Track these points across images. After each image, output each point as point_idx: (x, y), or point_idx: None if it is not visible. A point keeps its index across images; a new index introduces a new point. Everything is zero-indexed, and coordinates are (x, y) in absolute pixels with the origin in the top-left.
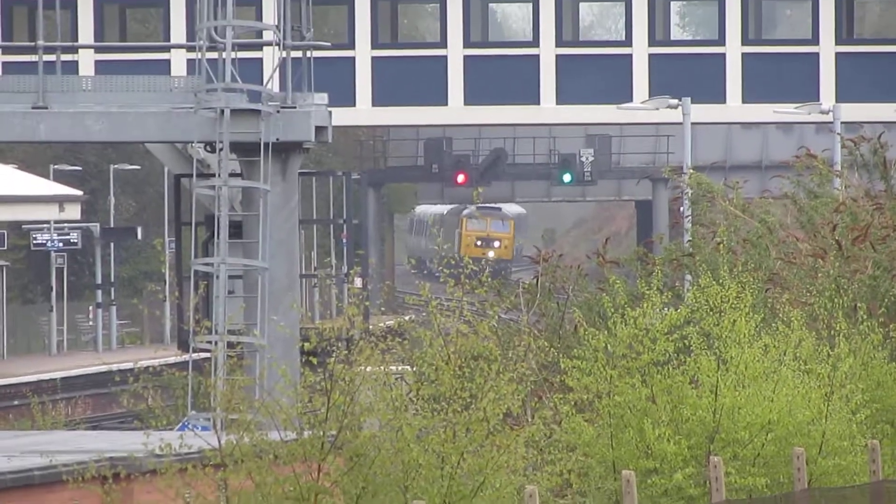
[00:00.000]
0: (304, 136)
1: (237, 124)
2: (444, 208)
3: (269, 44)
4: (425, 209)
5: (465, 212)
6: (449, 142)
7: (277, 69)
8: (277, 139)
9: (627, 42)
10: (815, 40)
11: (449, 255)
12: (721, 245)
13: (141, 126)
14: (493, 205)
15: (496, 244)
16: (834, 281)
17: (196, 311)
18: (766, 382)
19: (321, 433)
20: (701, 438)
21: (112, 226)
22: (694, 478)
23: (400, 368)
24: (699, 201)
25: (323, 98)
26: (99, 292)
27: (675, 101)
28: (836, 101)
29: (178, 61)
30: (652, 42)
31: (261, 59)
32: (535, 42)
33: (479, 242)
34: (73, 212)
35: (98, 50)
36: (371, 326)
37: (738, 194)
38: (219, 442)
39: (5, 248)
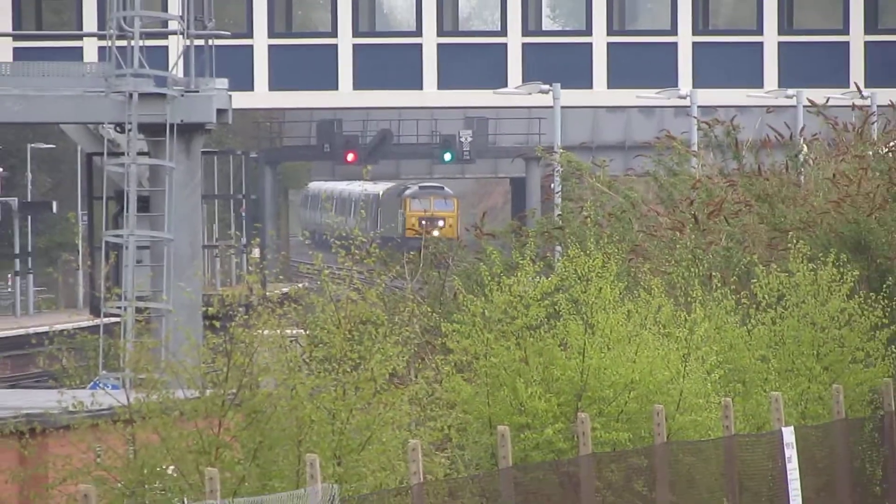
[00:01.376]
0: (206, 118)
1: (145, 107)
2: (364, 186)
3: (174, 33)
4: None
5: (408, 192)
6: (339, 123)
7: (182, 56)
8: (181, 121)
9: (503, 32)
10: (673, 31)
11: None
12: (588, 219)
13: (56, 108)
14: (435, 183)
15: (440, 223)
16: (691, 252)
17: (107, 278)
18: (629, 345)
19: (222, 392)
20: (569, 396)
21: (29, 200)
22: (563, 433)
23: (295, 332)
24: (569, 178)
25: (223, 83)
26: (17, 261)
27: (546, 87)
28: (693, 86)
29: (90, 49)
30: (525, 32)
31: (166, 47)
32: (418, 32)
33: (423, 222)
34: None
35: (15, 38)
36: (268, 293)
37: (605, 172)
38: (127, 399)
39: None
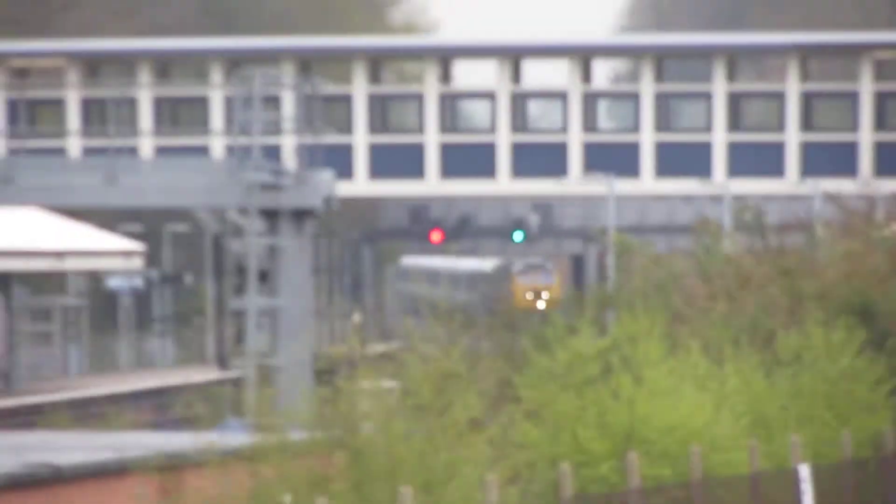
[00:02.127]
0: (314, 203)
1: (263, 195)
2: (470, 263)
3: (288, 132)
4: (409, 261)
5: (515, 268)
6: (427, 209)
7: (294, 152)
8: (294, 206)
9: (565, 131)
10: (709, 130)
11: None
12: (637, 289)
13: (189, 195)
14: (538, 261)
15: (544, 294)
16: (723, 318)
17: (232, 339)
18: (671, 395)
19: (330, 434)
20: (620, 438)
21: (167, 273)
22: (615, 469)
23: (390, 384)
24: (622, 254)
25: (329, 174)
26: (157, 325)
27: (602, 177)
28: (727, 177)
29: (217, 146)
30: (584, 130)
31: (280, 145)
32: (493, 130)
33: (530, 295)
34: (137, 262)
35: (155, 137)
36: (367, 352)
37: (652, 249)
38: (251, 440)
39: (85, 290)
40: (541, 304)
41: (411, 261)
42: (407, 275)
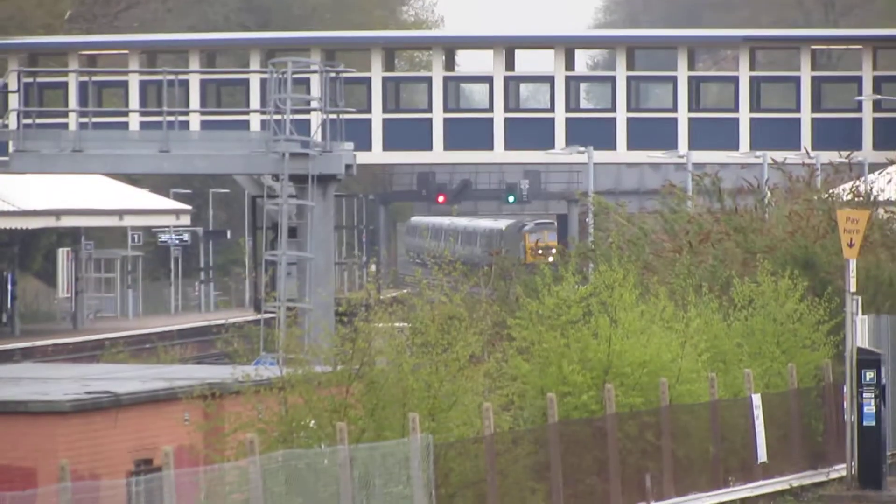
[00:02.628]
0: (338, 170)
1: (294, 163)
2: (470, 221)
3: (315, 109)
4: (417, 219)
5: (526, 227)
6: (433, 175)
7: (320, 126)
8: (320, 173)
9: (551, 109)
10: (674, 108)
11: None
12: (613, 244)
13: (231, 163)
14: (547, 220)
15: (553, 250)
16: (686, 268)
17: (266, 285)
18: (643, 335)
19: (349, 367)
20: (599, 372)
21: (210, 229)
22: (595, 398)
23: (401, 325)
24: (599, 214)
25: (350, 146)
26: (202, 273)
27: (583, 149)
28: (689, 149)
29: (255, 121)
30: (567, 109)
31: (309, 120)
32: (490, 109)
33: (539, 251)
34: (185, 220)
35: (203, 113)
36: (382, 297)
37: (625, 210)
38: (281, 373)
39: (141, 243)
40: (549, 258)
41: (429, 220)
42: (415, 231)
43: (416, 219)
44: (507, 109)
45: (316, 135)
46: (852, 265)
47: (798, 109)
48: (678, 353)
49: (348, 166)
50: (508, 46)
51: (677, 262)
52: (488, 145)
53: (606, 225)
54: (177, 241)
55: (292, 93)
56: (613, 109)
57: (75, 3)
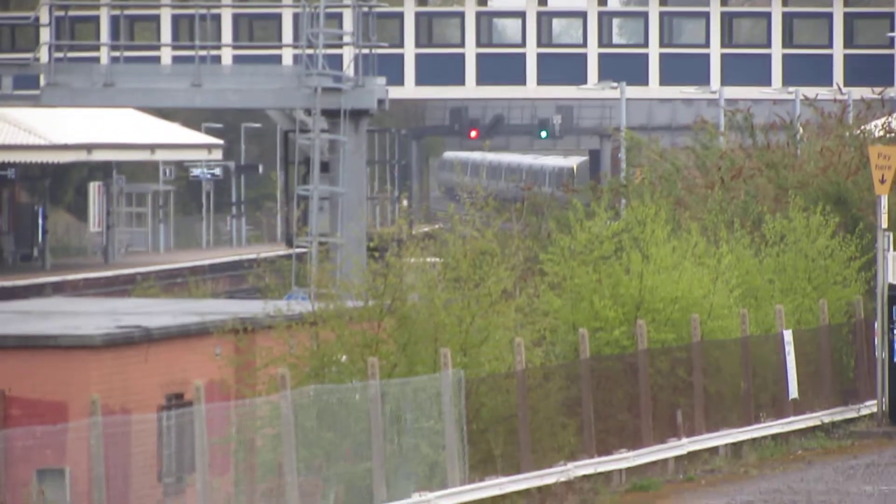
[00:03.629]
0: (370, 105)
1: (326, 97)
2: (527, 157)
3: (348, 44)
4: (450, 154)
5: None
6: (465, 110)
7: (353, 61)
8: (352, 107)
9: (584, 44)
10: (707, 44)
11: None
12: (645, 179)
13: (263, 97)
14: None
15: None
16: (718, 204)
17: (298, 220)
18: (674, 271)
19: (380, 302)
20: (631, 308)
21: (242, 164)
22: (626, 334)
23: (433, 260)
24: (632, 149)
25: (382, 80)
26: (234, 208)
27: (615, 84)
28: (721, 85)
29: (287, 55)
30: (600, 45)
31: (342, 55)
32: (523, 44)
33: None
34: (217, 154)
35: (234, 48)
36: (413, 232)
37: (658, 145)
38: (313, 307)
39: (173, 178)
40: None
41: (452, 154)
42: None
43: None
44: (539, 45)
45: (348, 69)
46: (884, 201)
47: (830, 45)
48: (710, 289)
49: (380, 101)
50: None
51: (709, 198)
52: (521, 80)
53: (639, 160)
54: (208, 176)
55: (325, 27)
56: (646, 45)
57: None
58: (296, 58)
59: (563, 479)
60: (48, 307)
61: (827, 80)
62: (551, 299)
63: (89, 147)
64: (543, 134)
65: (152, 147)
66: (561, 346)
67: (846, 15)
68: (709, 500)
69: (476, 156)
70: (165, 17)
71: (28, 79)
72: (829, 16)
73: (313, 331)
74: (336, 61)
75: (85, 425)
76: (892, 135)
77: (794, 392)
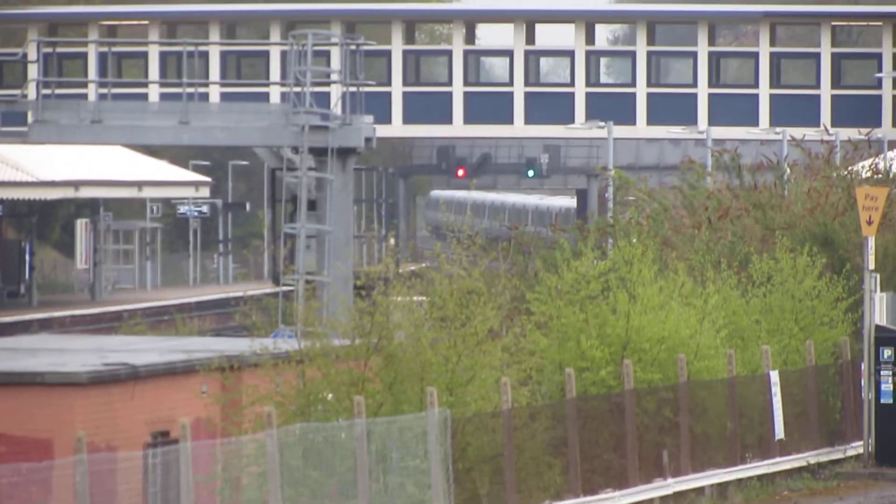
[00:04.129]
0: (357, 143)
1: (313, 136)
2: (551, 200)
3: (335, 82)
4: (437, 193)
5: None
6: (453, 148)
7: (340, 99)
8: (339, 146)
9: (571, 83)
10: (694, 84)
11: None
12: (632, 219)
13: (250, 135)
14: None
15: None
16: (705, 244)
17: (285, 259)
18: (661, 311)
19: (367, 341)
20: (617, 348)
21: (230, 201)
22: (613, 373)
23: (419, 299)
24: (620, 188)
25: (370, 118)
26: (221, 245)
27: (602, 123)
28: (708, 125)
29: (275, 93)
30: (587, 84)
31: (329, 93)
32: (510, 83)
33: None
34: (204, 191)
35: (222, 85)
36: (400, 271)
37: (646, 184)
38: (299, 345)
39: (160, 215)
40: None
41: (440, 193)
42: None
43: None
44: (527, 83)
45: (336, 107)
46: (871, 242)
47: (818, 86)
48: (696, 329)
49: (368, 139)
50: (529, 20)
51: (696, 238)
52: (508, 119)
53: (627, 200)
54: (195, 213)
55: (312, 65)
56: (633, 84)
57: None
58: (283, 95)
59: None
60: (34, 344)
61: (814, 121)
62: (538, 339)
63: (76, 184)
64: (531, 173)
65: (140, 184)
66: (547, 386)
67: (834, 55)
68: None
69: (476, 195)
70: (153, 53)
71: (15, 115)
72: (817, 56)
73: (300, 369)
74: (324, 99)
75: (70, 463)
76: (880, 176)
77: (780, 433)
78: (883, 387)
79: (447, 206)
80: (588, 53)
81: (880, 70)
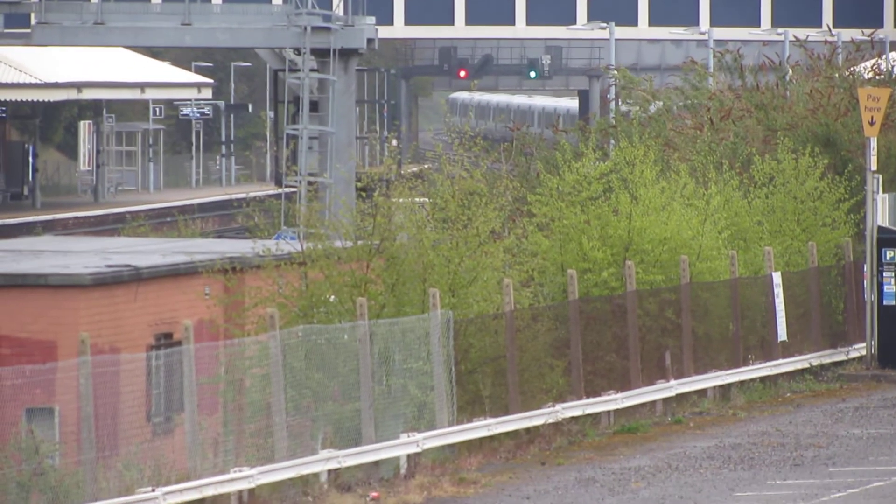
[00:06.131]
0: (359, 44)
1: (315, 37)
2: (558, 102)
3: None
4: (457, 95)
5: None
6: (455, 49)
7: (342, 0)
8: (342, 47)
9: None
10: None
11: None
12: (634, 120)
13: (252, 36)
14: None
15: None
16: (707, 145)
17: (287, 160)
18: (663, 212)
19: (369, 242)
20: (619, 249)
21: (232, 103)
22: (615, 275)
23: (421, 200)
24: (625, 87)
25: (371, 20)
26: (223, 147)
27: (604, 24)
28: (710, 25)
29: None
30: None
31: None
32: None
33: None
34: (207, 93)
35: None
36: (402, 172)
37: (651, 84)
38: (301, 247)
39: (162, 117)
40: None
41: (503, 98)
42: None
43: (464, 95)
44: None
45: (338, 8)
46: (873, 143)
47: None
48: (698, 230)
49: (370, 40)
50: None
51: (698, 139)
52: (510, 20)
53: (630, 100)
54: (198, 115)
55: None
56: None
57: None
58: None
59: (551, 420)
60: (38, 246)
61: (817, 22)
62: (540, 240)
63: (79, 86)
64: (532, 74)
65: (142, 86)
66: (549, 287)
67: None
68: (697, 442)
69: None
70: None
71: (19, 17)
72: None
73: (302, 271)
74: (326, 0)
75: (74, 364)
76: (882, 77)
77: (782, 334)
78: (885, 288)
79: (467, 109)
80: None
81: None
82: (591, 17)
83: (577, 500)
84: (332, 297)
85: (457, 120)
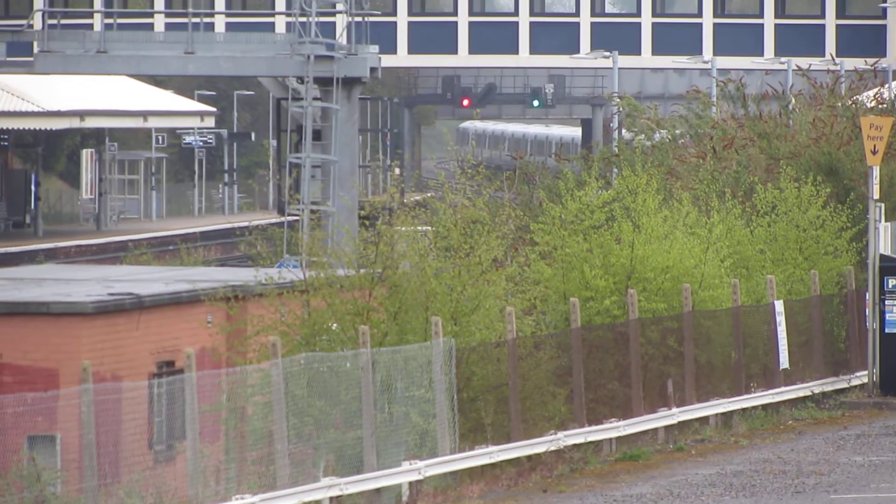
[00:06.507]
0: (362, 73)
1: (319, 65)
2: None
3: (341, 12)
4: (468, 125)
5: None
6: (458, 78)
7: (345, 29)
8: (345, 76)
9: (576, 13)
10: (699, 14)
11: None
12: (637, 149)
13: (255, 65)
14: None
15: None
16: (710, 174)
17: (290, 188)
18: (665, 240)
19: (371, 271)
20: (622, 277)
21: (235, 131)
22: (617, 303)
23: (424, 228)
24: (629, 115)
25: (375, 48)
26: (226, 175)
27: (607, 53)
28: (713, 54)
29: (280, 23)
30: (593, 13)
31: (334, 22)
32: (515, 12)
33: None
34: (210, 121)
35: (228, 15)
36: (405, 200)
37: (656, 113)
38: (304, 275)
39: (165, 145)
40: None
41: (519, 128)
42: (465, 137)
43: (477, 124)
44: (532, 13)
45: (341, 37)
46: (875, 172)
47: (823, 15)
48: (701, 258)
49: (373, 69)
50: None
51: (701, 168)
52: (513, 49)
53: (634, 128)
54: (201, 143)
55: None
56: (639, 14)
57: None
58: (289, 25)
59: (553, 448)
60: (40, 274)
61: (819, 51)
62: (542, 268)
63: (82, 114)
64: (535, 103)
65: (145, 114)
66: (551, 316)
67: None
68: (699, 469)
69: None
70: None
71: (21, 46)
72: None
73: (304, 299)
74: (329, 29)
75: (76, 392)
76: (884, 106)
77: (784, 362)
78: (888, 316)
79: (478, 139)
80: None
81: (885, 0)
82: (595, 46)
83: None
84: (335, 325)
85: (468, 149)
